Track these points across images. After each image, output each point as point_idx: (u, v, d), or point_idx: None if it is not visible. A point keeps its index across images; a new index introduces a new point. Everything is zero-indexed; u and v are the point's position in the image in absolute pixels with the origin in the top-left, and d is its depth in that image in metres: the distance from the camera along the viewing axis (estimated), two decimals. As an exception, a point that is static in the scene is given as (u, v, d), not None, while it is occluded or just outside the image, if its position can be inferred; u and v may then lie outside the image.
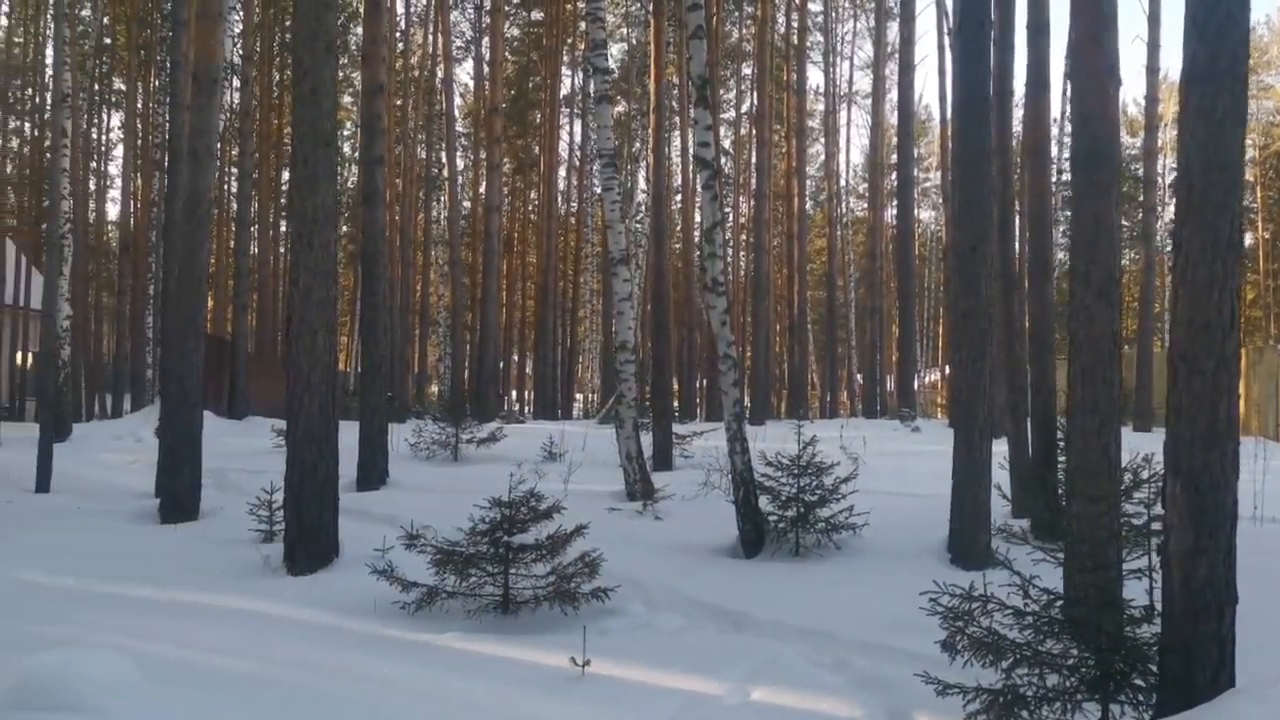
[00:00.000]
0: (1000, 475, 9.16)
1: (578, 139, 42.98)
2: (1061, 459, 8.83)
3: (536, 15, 41.42)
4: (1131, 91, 47.83)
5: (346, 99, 37.37)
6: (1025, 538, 8.39)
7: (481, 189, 37.79)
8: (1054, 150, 23.82)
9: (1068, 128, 29.77)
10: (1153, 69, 25.91)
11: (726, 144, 41.81)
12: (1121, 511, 6.12)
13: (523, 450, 15.68)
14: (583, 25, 34.83)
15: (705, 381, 37.06)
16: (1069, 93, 29.92)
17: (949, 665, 4.59)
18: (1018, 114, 13.16)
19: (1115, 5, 6.26)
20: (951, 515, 8.27)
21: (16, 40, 36.67)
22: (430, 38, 37.67)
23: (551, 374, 37.93)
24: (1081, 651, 4.42)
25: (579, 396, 47.36)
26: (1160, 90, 26.94)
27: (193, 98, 11.48)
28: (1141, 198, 29.06)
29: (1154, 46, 25.61)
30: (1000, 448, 9.47)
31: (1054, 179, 18.01)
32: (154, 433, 16.63)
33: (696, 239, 32.97)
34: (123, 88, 37.30)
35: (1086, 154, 5.81)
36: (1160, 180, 32.51)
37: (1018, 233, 14.55)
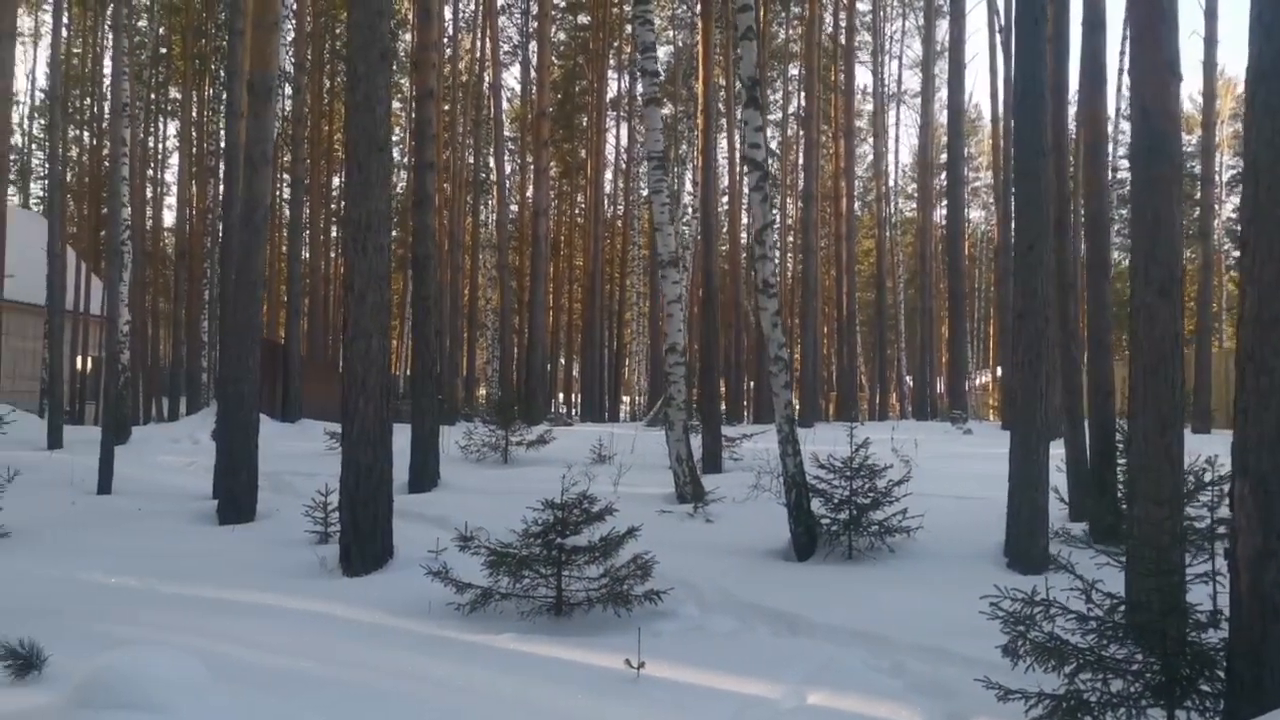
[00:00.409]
0: (1058, 478, 9.03)
1: (624, 142, 43.11)
2: (1121, 461, 8.70)
3: (583, 19, 41.59)
4: (1187, 88, 47.10)
5: (396, 105, 37.72)
6: (1084, 541, 8.26)
7: (529, 193, 37.99)
8: (1109, 148, 23.45)
9: (1123, 125, 29.36)
10: (1210, 65, 25.45)
11: (773, 145, 41.64)
12: (1184, 514, 6.00)
13: (572, 453, 15.73)
14: (629, 29, 34.91)
15: (753, 383, 36.95)
16: (1124, 89, 29.41)
17: (1009, 670, 4.53)
18: (1072, 111, 13.00)
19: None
20: (1008, 518, 8.17)
21: (76, 51, 37.44)
22: (478, 43, 37.94)
23: (598, 376, 38.03)
24: (1146, 657, 4.35)
25: (625, 399, 47.43)
26: (1217, 86, 26.44)
27: (248, 105, 11.65)
28: (1199, 195, 28.54)
29: (1211, 42, 25.15)
30: (1057, 450, 9.34)
31: (1110, 177, 17.74)
32: (210, 436, 16.90)
33: (744, 241, 32.90)
34: (178, 97, 37.99)
35: (1147, 150, 5.71)
36: (1218, 178, 31.92)
37: (1073, 232, 14.34)
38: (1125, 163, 31.96)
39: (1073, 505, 9.82)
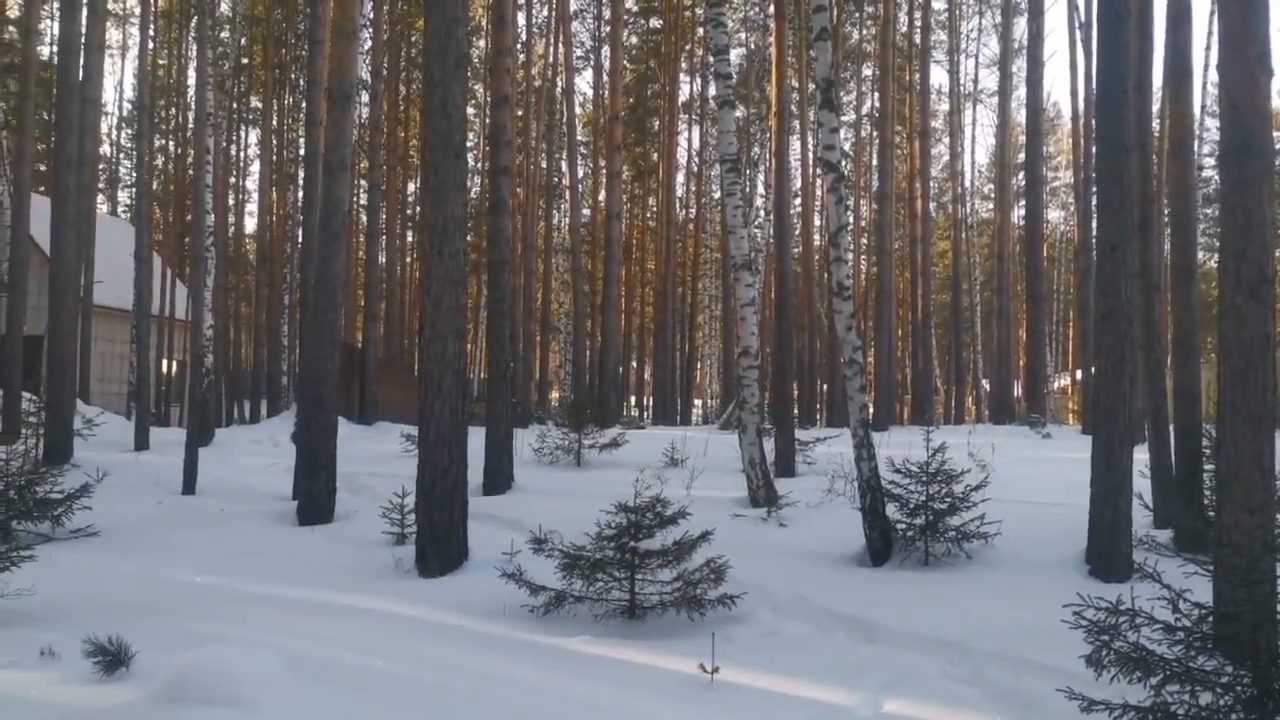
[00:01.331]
0: (1141, 484, 8.80)
1: (695, 145, 43.08)
2: (1208, 467, 8.45)
3: (655, 23, 41.66)
4: (1278, 85, 45.58)
5: (470, 110, 38.16)
6: (1170, 549, 8.05)
7: (601, 196, 38.17)
8: (1195, 145, 22.82)
9: (1209, 122, 28.56)
10: (1301, 57, 24.64)
11: (846, 146, 41.28)
12: (1276, 522, 5.81)
13: (644, 456, 15.73)
14: (700, 31, 34.88)
15: (826, 387, 36.65)
16: (1210, 85, 28.54)
17: (1093, 681, 4.43)
18: (1155, 109, 12.67)
19: (1266, -9, 5.97)
20: (1090, 525, 7.98)
21: (161, 63, 38.53)
22: (551, 48, 38.23)
23: (671, 380, 38.01)
24: (1237, 669, 4.21)
25: (697, 402, 47.35)
26: (1310, 80, 25.57)
27: (328, 112, 11.88)
28: (1290, 193, 27.62)
29: (1302, 34, 24.34)
30: (1140, 455, 9.10)
31: (1195, 175, 17.28)
32: (290, 438, 17.26)
33: (817, 243, 32.68)
34: (259, 105, 38.89)
35: (1237, 148, 5.55)
36: (1310, 174, 30.84)
37: (1158, 232, 13.99)
38: (1211, 160, 31.14)
39: (1157, 512, 9.56)
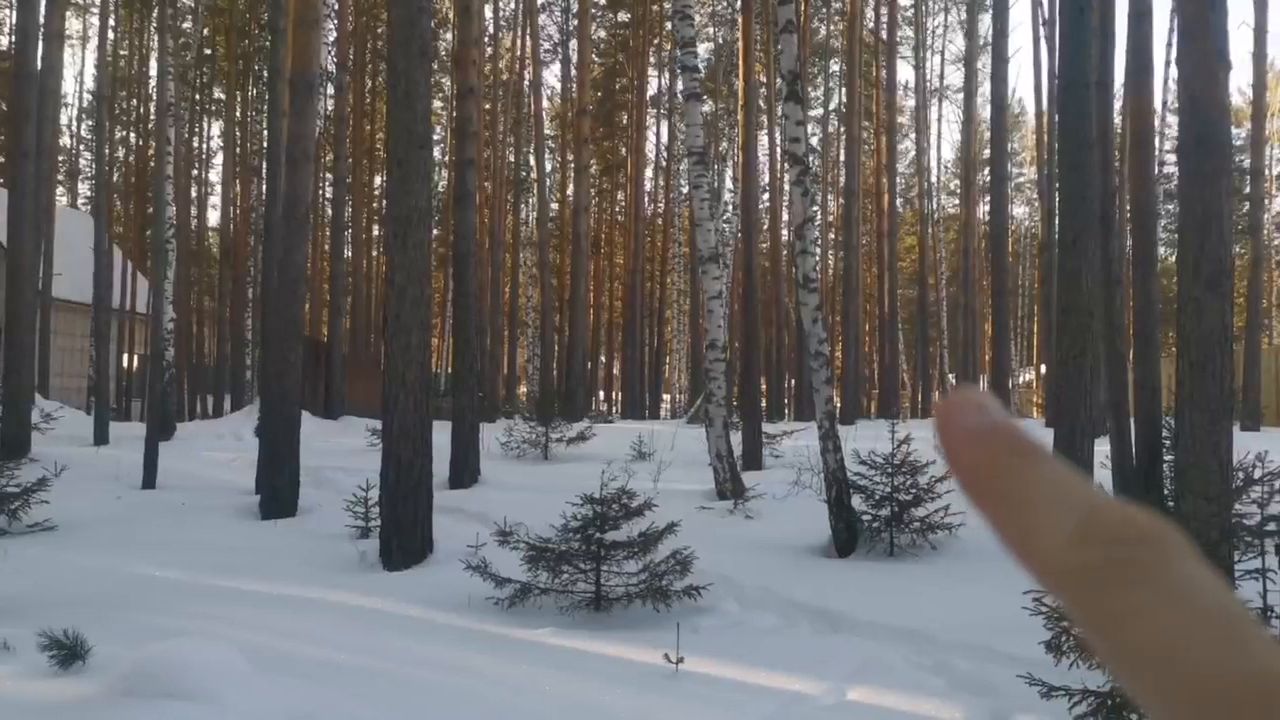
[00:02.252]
0: (1102, 475, 8.90)
1: (664, 139, 43.08)
2: (1168, 458, 8.56)
3: (623, 17, 41.62)
4: (1236, 80, 46.29)
5: (437, 103, 37.95)
6: (1130, 539, 8.15)
7: (569, 191, 38.09)
8: (1156, 141, 23.09)
9: (1169, 118, 28.89)
10: (1260, 56, 25.00)
11: (814, 141, 41.42)
12: (1233, 511, 5.89)
13: (612, 449, 15.73)
14: (669, 25, 34.89)
15: (793, 381, 36.80)
16: (1171, 82, 28.95)
17: (1053, 668, 4.46)
18: (1117, 105, 12.80)
19: (1224, -13, 6.04)
20: (1052, 516, 8.06)
21: (122, 53, 38.02)
22: (519, 41, 38.09)
23: (639, 374, 38.03)
24: (1195, 655, 4.26)
25: (666, 396, 47.40)
26: (1267, 78, 25.96)
27: (290, 103, 11.77)
28: (1248, 189, 28.04)
29: (1261, 32, 24.70)
30: (1101, 447, 9.20)
31: (1156, 170, 17.49)
32: (254, 432, 17.09)
33: (785, 238, 32.76)
34: (222, 97, 38.50)
35: (1195, 141, 5.61)
36: (1267, 171, 31.33)
37: (1119, 227, 14.14)
38: (1172, 157, 31.49)
39: (1119, 503, 9.68)
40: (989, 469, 0.30)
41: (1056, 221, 10.12)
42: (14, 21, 23.68)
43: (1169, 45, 27.03)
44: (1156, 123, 25.53)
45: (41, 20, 16.00)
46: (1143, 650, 0.24)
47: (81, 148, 46.26)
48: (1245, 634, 0.23)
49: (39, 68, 15.83)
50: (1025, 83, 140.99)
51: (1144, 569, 0.25)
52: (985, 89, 34.01)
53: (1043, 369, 35.46)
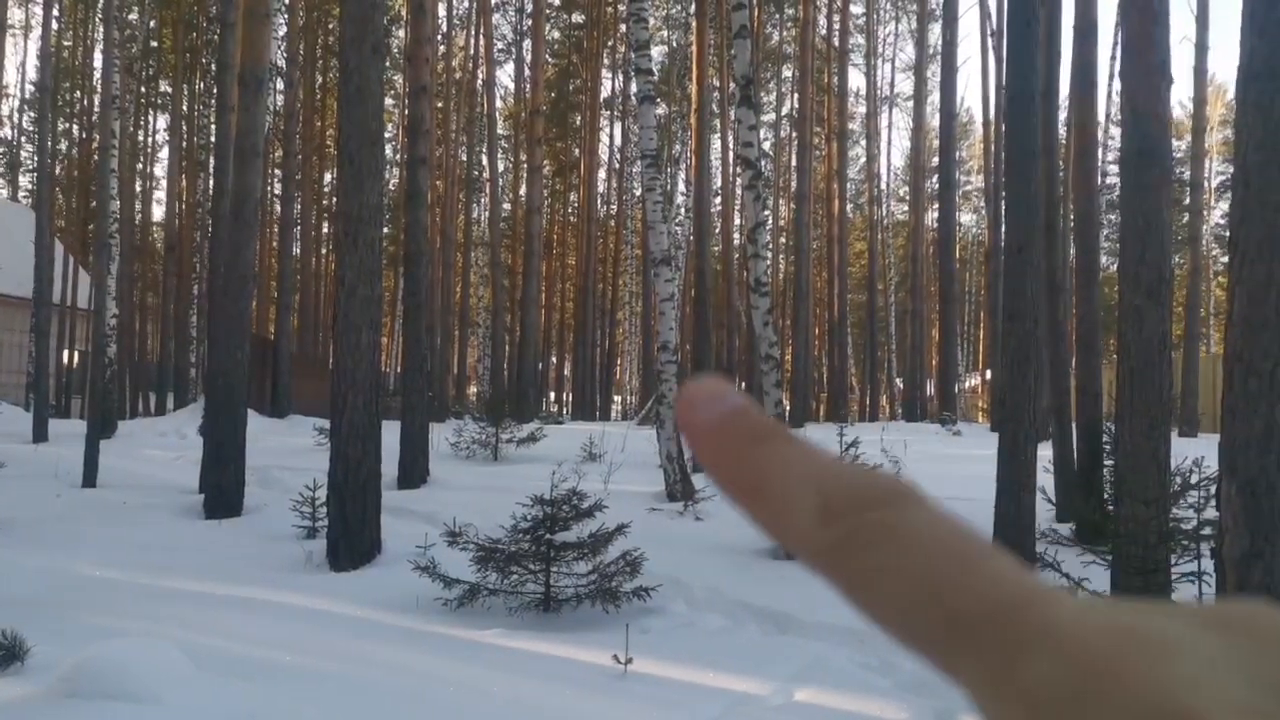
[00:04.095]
0: (1044, 479, 9.06)
1: (617, 142, 43.11)
2: (1108, 463, 8.73)
3: (577, 18, 41.60)
4: (1177, 94, 47.26)
5: (389, 101, 37.66)
6: (1071, 541, 8.29)
7: (522, 191, 37.97)
8: (1099, 152, 23.52)
9: (1113, 130, 29.43)
10: (1200, 71, 25.58)
11: (766, 146, 41.69)
12: (1170, 515, 6.03)
13: (562, 450, 15.71)
14: (623, 28, 34.91)
15: (744, 384, 36.97)
16: (1114, 95, 29.40)
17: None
18: (1062, 116, 13.03)
19: (1167, 1, 6.19)
20: (995, 518, 8.19)
21: (66, 44, 37.30)
22: (472, 40, 37.91)
23: (590, 375, 38.02)
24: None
25: (617, 398, 47.42)
26: (1208, 92, 26.56)
27: (240, 98, 11.63)
28: (1187, 200, 28.68)
29: (1202, 49, 25.27)
30: (1044, 451, 9.37)
31: (1099, 181, 17.81)
32: (198, 430, 16.85)
33: (736, 241, 32.93)
34: (168, 90, 37.88)
35: (1137, 153, 5.74)
36: (1207, 183, 32.05)
37: (1063, 236, 14.40)
38: (1115, 167, 32.10)
39: (1060, 506, 9.86)
40: (732, 458, 0.29)
41: (1003, 229, 10.28)
42: (-47, 9, 23.13)
43: (1113, 59, 27.59)
44: (1100, 134, 26.04)
45: (-17, 8, 15.65)
46: (894, 599, 0.25)
47: (23, 139, 45.25)
48: (984, 562, 0.25)
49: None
50: (974, 92, 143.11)
51: (885, 528, 0.26)
52: (935, 97, 34.52)
53: (988, 374, 35.97)
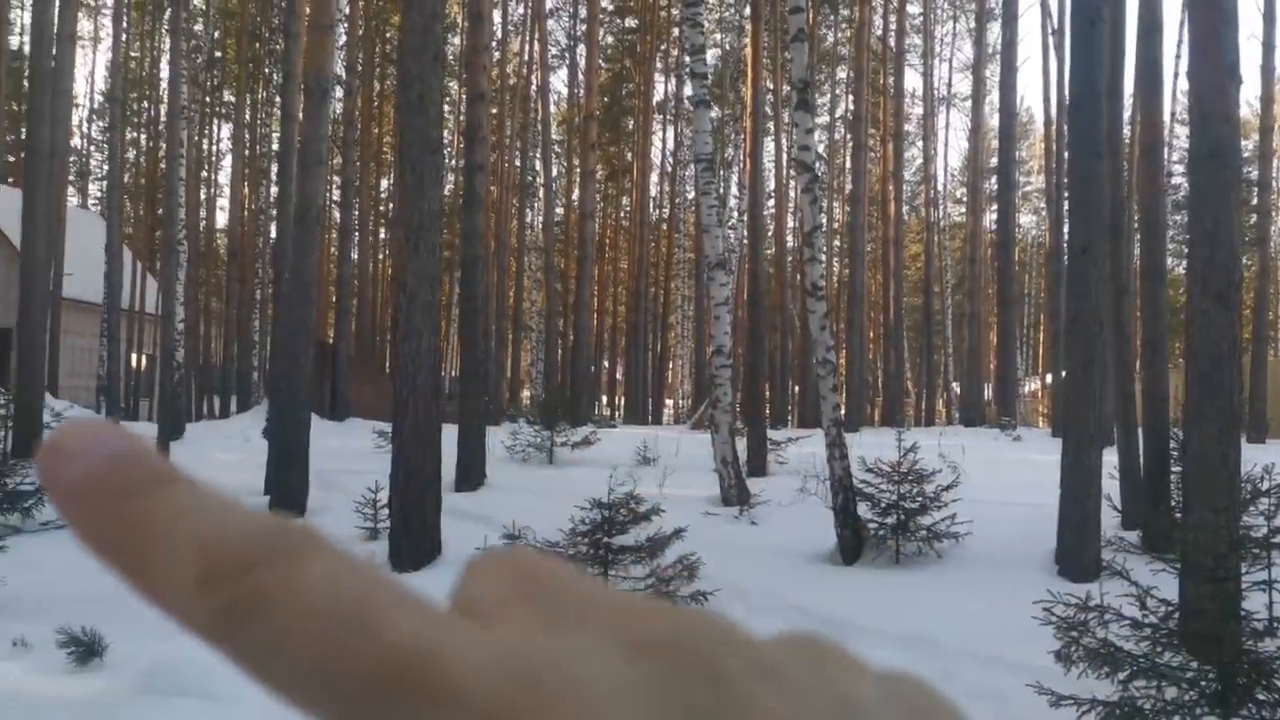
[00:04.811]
0: (1109, 485, 8.93)
1: (670, 145, 43.14)
2: (1175, 469, 8.59)
3: (631, 23, 41.73)
4: (1244, 92, 46.22)
5: (444, 108, 38.00)
6: (1137, 548, 8.17)
7: (575, 195, 38.15)
8: (1164, 152, 23.08)
9: (1179, 129, 28.94)
10: (1269, 70, 25.02)
11: (821, 149, 41.46)
12: (1240, 522, 5.92)
13: (616, 454, 15.74)
14: (676, 32, 34.96)
15: (798, 388, 36.82)
16: (1180, 93, 28.82)
17: (1061, 676, 4.50)
18: (1126, 115, 12.83)
19: (1236, 1, 6.08)
20: (1059, 525, 8.09)
21: (134, 55, 38.17)
22: (526, 46, 38.18)
23: (642, 379, 38.08)
24: (1202, 664, 4.29)
25: (669, 402, 47.42)
26: (1276, 91, 25.98)
27: (304, 106, 11.84)
28: (1255, 201, 28.07)
29: (1269, 47, 24.72)
30: (1109, 457, 9.23)
31: (1165, 181, 17.52)
32: (262, 433, 17.15)
33: (790, 245, 32.82)
34: (232, 100, 38.61)
35: (1207, 154, 5.65)
36: (1275, 184, 31.32)
37: (1127, 237, 14.18)
38: (1180, 167, 31.51)
39: (1125, 512, 9.70)
40: (102, 518, 0.23)
41: (1065, 230, 10.16)
42: (27, 22, 23.78)
43: (1177, 57, 27.12)
44: (1165, 133, 25.55)
45: (55, 21, 16.09)
46: (287, 673, 0.21)
47: (93, 148, 46.39)
48: (388, 614, 0.21)
49: (52, 68, 15.91)
50: (1033, 91, 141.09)
51: (269, 593, 0.21)
52: (993, 97, 34.15)
53: (1048, 378, 35.47)
